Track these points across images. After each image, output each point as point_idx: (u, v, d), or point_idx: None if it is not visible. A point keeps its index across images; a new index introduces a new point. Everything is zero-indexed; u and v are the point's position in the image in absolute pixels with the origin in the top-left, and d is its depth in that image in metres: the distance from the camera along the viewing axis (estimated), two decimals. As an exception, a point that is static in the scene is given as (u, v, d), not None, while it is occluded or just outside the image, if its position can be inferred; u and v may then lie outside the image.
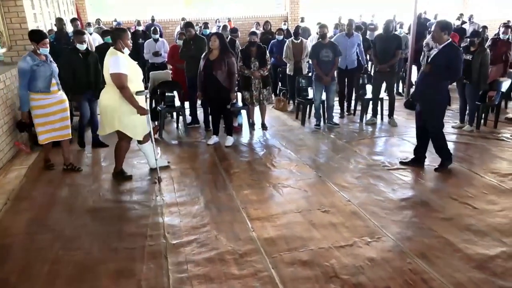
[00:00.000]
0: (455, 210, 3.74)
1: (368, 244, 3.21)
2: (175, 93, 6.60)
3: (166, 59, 7.78)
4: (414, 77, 8.53)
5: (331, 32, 7.81)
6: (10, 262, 3.11)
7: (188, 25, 6.38)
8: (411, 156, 4.87)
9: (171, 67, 7.52)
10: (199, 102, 6.33)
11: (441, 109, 4.54)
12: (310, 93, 6.83)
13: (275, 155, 5.27)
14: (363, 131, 6.32)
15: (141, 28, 10.13)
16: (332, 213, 3.71)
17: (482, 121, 6.18)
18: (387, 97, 6.55)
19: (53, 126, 4.61)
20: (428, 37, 7.97)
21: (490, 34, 9.61)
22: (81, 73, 5.22)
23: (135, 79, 4.24)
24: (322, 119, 6.44)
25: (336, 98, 6.76)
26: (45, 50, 4.45)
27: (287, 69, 7.37)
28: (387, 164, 4.84)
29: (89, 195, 4.24)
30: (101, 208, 3.96)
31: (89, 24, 10.30)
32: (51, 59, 4.59)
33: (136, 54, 7.47)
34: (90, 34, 8.61)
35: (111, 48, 4.20)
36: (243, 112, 6.58)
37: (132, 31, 9.62)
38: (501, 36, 7.17)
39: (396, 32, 7.47)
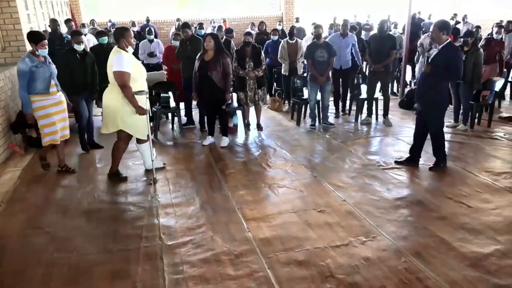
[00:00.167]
0: (450, 209, 3.76)
1: (363, 243, 3.22)
2: (170, 94, 6.59)
3: (161, 60, 7.77)
4: (408, 77, 8.59)
5: (326, 33, 7.83)
6: (4, 264, 3.10)
7: (185, 25, 6.39)
8: (406, 155, 4.89)
9: (166, 67, 7.51)
10: (194, 102, 6.32)
11: (441, 109, 4.56)
12: (305, 93, 6.85)
13: (271, 155, 5.28)
14: (358, 131, 6.33)
15: (136, 28, 10.12)
16: (327, 213, 3.72)
17: (476, 120, 6.22)
18: (381, 97, 6.58)
19: (55, 128, 4.57)
20: (422, 37, 8.01)
21: (484, 34, 9.67)
22: (78, 74, 5.19)
23: (139, 78, 4.25)
24: (317, 119, 6.45)
25: (331, 98, 6.78)
26: (44, 51, 4.43)
27: (282, 70, 7.38)
28: (382, 164, 4.85)
29: (84, 197, 4.22)
30: (96, 209, 3.95)
31: (83, 25, 10.26)
32: (50, 60, 4.56)
33: (131, 55, 7.43)
34: (85, 35, 8.56)
35: (115, 47, 4.19)
36: (239, 112, 6.58)
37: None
38: (494, 36, 7.22)
39: (391, 32, 7.50)
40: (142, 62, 8.39)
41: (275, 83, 8.18)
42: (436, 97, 4.43)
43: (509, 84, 8.07)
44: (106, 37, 6.49)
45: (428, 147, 4.77)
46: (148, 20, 12.49)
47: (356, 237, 3.30)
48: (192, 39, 6.22)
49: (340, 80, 6.95)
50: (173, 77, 6.70)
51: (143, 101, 4.21)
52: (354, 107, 7.04)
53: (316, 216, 3.67)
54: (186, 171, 4.80)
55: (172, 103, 6.61)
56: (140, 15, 13.37)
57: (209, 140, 5.71)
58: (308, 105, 6.51)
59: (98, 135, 5.55)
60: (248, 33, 6.19)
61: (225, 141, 5.65)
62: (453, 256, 3.03)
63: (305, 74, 7.14)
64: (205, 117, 5.98)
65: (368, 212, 3.70)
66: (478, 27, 8.92)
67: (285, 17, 15.13)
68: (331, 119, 6.64)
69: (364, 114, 6.72)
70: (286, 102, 7.76)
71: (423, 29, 9.09)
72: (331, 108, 6.81)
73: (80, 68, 5.21)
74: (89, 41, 8.33)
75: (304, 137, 6.03)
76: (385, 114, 6.53)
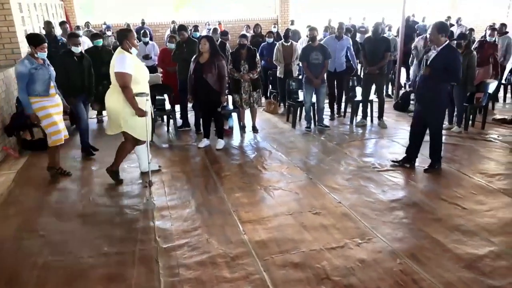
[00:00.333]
0: (445, 210, 3.78)
1: (359, 245, 3.23)
2: (166, 96, 6.58)
3: (156, 62, 7.76)
4: (403, 79, 8.64)
5: (320, 35, 7.86)
6: (-1, 268, 3.07)
7: (181, 28, 6.40)
8: (401, 157, 4.92)
9: (161, 70, 7.50)
10: (190, 105, 6.32)
11: (441, 111, 4.60)
12: (301, 95, 6.87)
13: (266, 157, 5.28)
14: (353, 133, 6.36)
15: (130, 31, 10.06)
16: (323, 215, 3.73)
17: (470, 122, 6.26)
18: (376, 99, 6.61)
19: (58, 127, 4.53)
20: (416, 39, 8.06)
21: (478, 36, 9.74)
22: (75, 76, 5.17)
23: (141, 80, 4.25)
24: (312, 121, 6.46)
25: (326, 101, 6.80)
26: (43, 54, 4.41)
27: (278, 72, 7.39)
28: (377, 166, 4.87)
29: (79, 200, 4.20)
30: (91, 212, 3.93)
31: (78, 27, 10.23)
32: (49, 63, 4.54)
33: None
34: (80, 37, 8.54)
35: (119, 48, 4.19)
36: (234, 115, 6.58)
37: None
38: (488, 38, 7.28)
39: (385, 35, 7.55)
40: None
41: (270, 86, 8.20)
42: (435, 99, 4.46)
43: (502, 86, 8.14)
44: (101, 40, 6.48)
45: (423, 149, 4.80)
46: (143, 23, 12.48)
47: (352, 239, 3.31)
48: (189, 42, 6.22)
49: (335, 83, 6.98)
50: (168, 79, 6.69)
51: (144, 103, 4.21)
52: (349, 109, 7.07)
53: (311, 218, 3.68)
54: (181, 174, 4.79)
55: (168, 106, 6.60)
56: (135, 18, 13.36)
57: (204, 142, 5.70)
58: (304, 107, 6.53)
59: (94, 138, 5.52)
60: (243, 36, 6.20)
61: (220, 143, 5.65)
62: (448, 258, 3.04)
63: (300, 77, 7.16)
64: (201, 119, 5.97)
65: (364, 214, 3.71)
66: (471, 30, 9.00)
67: (280, 19, 15.18)
68: (326, 121, 6.65)
69: (359, 116, 6.75)
70: (282, 104, 7.77)
71: (417, 32, 9.14)
72: (326, 110, 6.83)
73: (77, 70, 5.19)
74: (83, 43, 8.30)
75: (300, 139, 6.04)
76: (380, 116, 6.56)
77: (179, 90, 6.33)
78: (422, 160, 4.84)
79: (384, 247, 3.20)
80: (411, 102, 7.46)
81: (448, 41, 4.38)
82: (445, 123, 6.33)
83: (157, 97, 6.48)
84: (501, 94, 8.16)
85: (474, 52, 6.13)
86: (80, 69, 5.22)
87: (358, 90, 6.99)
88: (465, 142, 5.67)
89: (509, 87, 8.34)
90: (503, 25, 8.24)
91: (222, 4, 16.80)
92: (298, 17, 13.90)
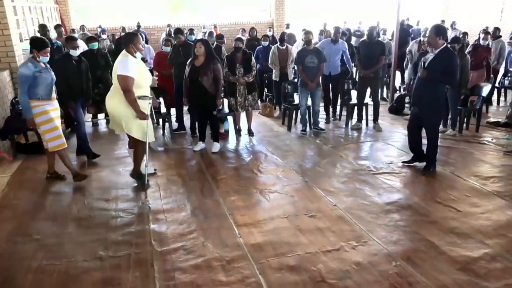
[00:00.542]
0: (439, 213, 3.80)
1: (354, 248, 3.24)
2: (161, 99, 6.57)
3: (152, 66, 7.75)
4: (397, 82, 8.69)
5: (316, 39, 7.89)
6: (-8, 272, 3.05)
7: (177, 31, 6.41)
8: (396, 160, 4.95)
9: (157, 73, 7.50)
10: (186, 108, 6.32)
11: (438, 113, 4.64)
12: (296, 98, 6.88)
13: (262, 160, 5.28)
14: (348, 136, 6.37)
15: (126, 34, 10.07)
16: (318, 218, 3.73)
17: (464, 125, 6.30)
18: (371, 103, 6.64)
19: (59, 132, 4.50)
20: (411, 43, 8.13)
21: (471, 40, 9.82)
22: (74, 80, 5.15)
23: (144, 84, 4.26)
24: (308, 124, 6.48)
25: (322, 104, 6.82)
26: (45, 59, 4.40)
27: (273, 75, 7.41)
28: (373, 169, 4.89)
29: (74, 203, 4.18)
30: (86, 216, 3.91)
31: (73, 31, 10.22)
32: (49, 67, 4.53)
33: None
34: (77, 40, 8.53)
35: (123, 51, 4.19)
36: (230, 118, 6.58)
37: (117, 37, 9.57)
38: (481, 42, 7.34)
39: (380, 38, 7.59)
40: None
41: (266, 89, 8.21)
42: (432, 101, 4.49)
43: (496, 89, 8.20)
44: (97, 43, 6.47)
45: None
46: (138, 26, 12.47)
47: (347, 242, 3.32)
48: (185, 45, 6.23)
49: (330, 86, 7.00)
50: (164, 82, 6.69)
51: (146, 106, 4.21)
52: (344, 113, 7.09)
53: (307, 221, 3.68)
54: (177, 177, 4.78)
55: (163, 109, 6.59)
56: (131, 21, 13.36)
57: (200, 145, 5.70)
58: (299, 110, 6.54)
59: (89, 141, 5.49)
60: (239, 39, 6.21)
61: (216, 146, 5.65)
62: (443, 260, 3.05)
63: (295, 80, 7.18)
64: (196, 122, 5.97)
65: (359, 217, 3.72)
66: (465, 34, 9.06)
67: (276, 23, 15.23)
68: (322, 124, 6.67)
69: (354, 120, 6.77)
70: (277, 107, 7.78)
71: (412, 35, 9.21)
72: (322, 114, 6.85)
73: (76, 74, 5.17)
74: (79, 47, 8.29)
75: (295, 143, 6.05)
76: (375, 119, 6.58)
77: (175, 93, 6.33)
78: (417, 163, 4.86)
79: (380, 250, 3.20)
80: (406, 105, 7.51)
81: (445, 44, 4.42)
82: (440, 126, 6.38)
83: (152, 100, 6.47)
84: (494, 97, 8.22)
85: (468, 56, 6.18)
86: (79, 73, 5.20)
87: (353, 94, 7.01)
88: (459, 145, 5.71)
89: (502, 90, 8.42)
90: (497, 29, 8.33)
91: (218, 8, 16.85)
92: (294, 20, 13.94)
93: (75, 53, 5.15)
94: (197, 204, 4.09)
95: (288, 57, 7.28)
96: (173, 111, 6.73)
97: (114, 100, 4.21)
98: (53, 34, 8.83)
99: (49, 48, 4.44)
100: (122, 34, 10.05)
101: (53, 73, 4.53)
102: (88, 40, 6.55)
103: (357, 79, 7.24)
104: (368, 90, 6.60)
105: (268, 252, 3.20)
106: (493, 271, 2.92)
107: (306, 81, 6.15)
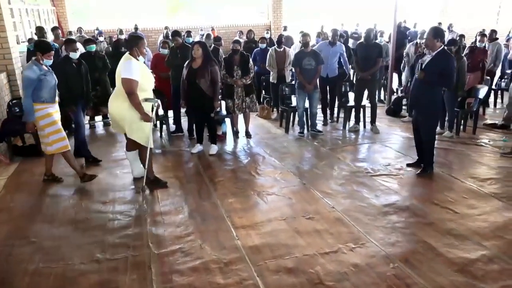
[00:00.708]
0: (437, 214, 3.80)
1: (352, 250, 3.24)
2: (159, 101, 6.55)
3: (149, 68, 7.74)
4: (395, 84, 8.71)
5: (313, 41, 7.91)
6: (-11, 275, 3.03)
7: (175, 33, 6.42)
8: (394, 162, 4.95)
9: (154, 75, 7.49)
10: (183, 110, 6.31)
11: (435, 114, 4.65)
12: (294, 101, 6.89)
13: (259, 163, 5.28)
14: (346, 138, 6.38)
15: (123, 36, 10.06)
16: (316, 220, 3.73)
17: (462, 127, 6.32)
18: (369, 105, 6.65)
19: (63, 134, 4.49)
20: (408, 46, 8.15)
21: (468, 42, 9.87)
22: (75, 83, 5.14)
23: (147, 87, 4.26)
24: (305, 126, 6.48)
25: (319, 106, 6.83)
26: (49, 62, 4.41)
27: (271, 77, 7.42)
28: (370, 171, 4.89)
29: (71, 206, 4.17)
30: (83, 218, 3.90)
31: (70, 33, 10.22)
32: (51, 70, 4.52)
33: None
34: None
35: (126, 54, 4.19)
36: (227, 120, 6.58)
37: (114, 40, 9.57)
38: (478, 44, 7.38)
39: (377, 41, 7.61)
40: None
41: (263, 91, 8.22)
42: (429, 103, 4.50)
43: (492, 91, 8.24)
44: (94, 45, 6.46)
45: (414, 154, 4.83)
46: (136, 28, 12.47)
47: (345, 244, 3.32)
48: (182, 47, 6.23)
49: (327, 88, 7.01)
50: (162, 85, 6.68)
51: (151, 108, 4.22)
52: (342, 115, 7.10)
53: (305, 223, 3.68)
54: (174, 179, 4.78)
55: (161, 111, 6.58)
56: (128, 23, 13.35)
57: (197, 148, 5.70)
58: (297, 112, 6.55)
59: (87, 143, 5.48)
60: (237, 41, 6.22)
61: (213, 149, 5.64)
62: (440, 262, 3.06)
63: (293, 82, 7.19)
64: (194, 124, 5.96)
65: (357, 219, 3.72)
66: (462, 36, 9.11)
67: (273, 25, 15.26)
68: (320, 126, 6.68)
69: (352, 122, 6.78)
70: (275, 109, 7.79)
71: (409, 38, 9.24)
72: (319, 116, 6.86)
73: (76, 76, 5.16)
74: (76, 49, 8.28)
75: (293, 145, 6.05)
76: (373, 121, 6.59)
77: (172, 96, 6.32)
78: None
79: (377, 252, 3.20)
80: (403, 107, 7.53)
81: (443, 46, 4.44)
82: (437, 128, 6.40)
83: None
84: (491, 99, 8.25)
85: (465, 58, 6.20)
86: (79, 75, 5.19)
87: (351, 96, 7.03)
88: (456, 147, 5.72)
89: (499, 92, 8.45)
90: (493, 31, 8.37)
91: (217, 8, 16.87)
92: (291, 23, 13.97)
93: (75, 55, 5.14)
94: (194, 206, 4.08)
95: (286, 59, 7.30)
96: (170, 113, 6.74)
97: (117, 103, 4.20)
98: (50, 37, 8.82)
99: (53, 52, 4.45)
100: (120, 36, 10.04)
101: (55, 76, 4.53)
102: (86, 42, 6.53)
103: (354, 81, 7.26)
104: (366, 92, 6.61)
105: (265, 254, 3.19)
106: (490, 273, 2.92)
107: (303, 83, 6.16)
